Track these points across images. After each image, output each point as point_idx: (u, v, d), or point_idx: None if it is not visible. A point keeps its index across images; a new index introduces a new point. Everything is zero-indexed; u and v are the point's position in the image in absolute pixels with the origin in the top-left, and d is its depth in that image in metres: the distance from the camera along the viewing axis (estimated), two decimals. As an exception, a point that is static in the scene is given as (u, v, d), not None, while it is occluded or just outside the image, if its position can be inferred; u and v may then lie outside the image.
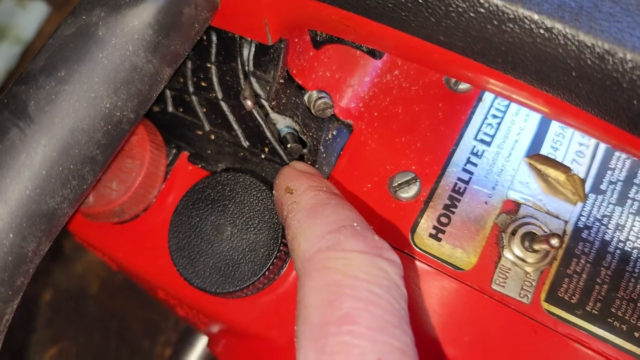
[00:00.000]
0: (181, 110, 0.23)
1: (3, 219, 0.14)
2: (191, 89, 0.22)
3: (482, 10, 0.14)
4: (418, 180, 0.21)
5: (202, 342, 0.32)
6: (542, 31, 0.13)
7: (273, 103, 0.21)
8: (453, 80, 0.22)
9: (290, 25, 0.18)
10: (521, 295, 0.20)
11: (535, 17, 0.13)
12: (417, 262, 0.20)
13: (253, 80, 0.20)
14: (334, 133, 0.22)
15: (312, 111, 0.22)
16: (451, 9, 0.14)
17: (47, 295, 0.41)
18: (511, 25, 0.14)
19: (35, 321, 0.40)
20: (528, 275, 0.20)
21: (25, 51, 0.54)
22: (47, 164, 0.15)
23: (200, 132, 0.23)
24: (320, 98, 0.22)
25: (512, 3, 0.13)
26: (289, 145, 0.22)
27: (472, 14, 0.14)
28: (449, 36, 0.14)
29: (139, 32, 0.16)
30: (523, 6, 0.13)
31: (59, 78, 0.15)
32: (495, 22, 0.14)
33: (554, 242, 0.19)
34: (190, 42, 0.17)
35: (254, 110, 0.21)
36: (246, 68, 0.20)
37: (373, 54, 0.20)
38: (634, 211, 0.21)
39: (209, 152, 0.23)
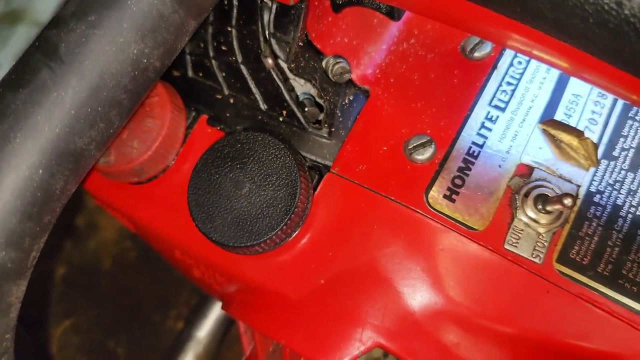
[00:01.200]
0: (201, 75, 0.24)
1: (33, 155, 0.15)
2: (211, 54, 0.23)
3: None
4: (433, 143, 0.21)
5: (213, 316, 0.32)
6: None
7: (292, 65, 0.21)
8: (469, 48, 0.23)
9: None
10: (533, 256, 0.20)
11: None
12: (431, 222, 0.20)
13: (273, 41, 0.21)
14: (351, 98, 0.23)
15: (330, 76, 0.22)
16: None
17: (60, 270, 0.41)
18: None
19: (49, 296, 0.40)
20: (540, 237, 0.20)
21: (42, 34, 0.55)
22: (77, 104, 0.15)
23: (219, 96, 0.24)
24: (337, 63, 0.22)
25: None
26: (306, 109, 0.22)
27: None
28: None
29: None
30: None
31: (89, 22, 0.15)
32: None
33: (567, 201, 0.19)
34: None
35: (272, 73, 0.21)
36: (266, 31, 0.21)
37: (392, 14, 0.20)
38: (646, 177, 0.21)
39: (228, 115, 0.23)
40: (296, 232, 0.21)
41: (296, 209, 0.20)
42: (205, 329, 0.32)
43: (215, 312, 0.32)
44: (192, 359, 0.31)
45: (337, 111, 0.22)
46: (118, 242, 0.41)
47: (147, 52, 0.16)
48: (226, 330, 0.32)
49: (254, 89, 0.23)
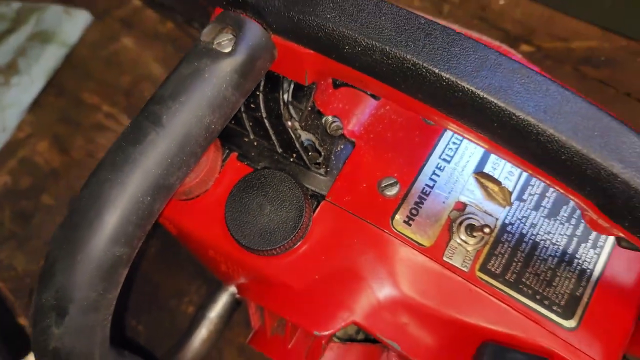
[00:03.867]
0: (233, 123, 0.32)
1: (145, 186, 0.23)
2: (243, 109, 0.31)
3: (443, 84, 0.23)
4: (398, 183, 0.30)
5: (221, 302, 0.40)
6: (478, 98, 0.23)
7: (302, 124, 0.30)
8: (427, 115, 0.32)
9: (322, 75, 0.27)
10: (463, 266, 0.29)
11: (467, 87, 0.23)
12: (394, 239, 0.29)
13: (290, 107, 0.30)
14: (342, 147, 0.32)
15: (328, 131, 0.31)
16: (425, 82, 0.23)
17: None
18: (458, 94, 0.23)
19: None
20: (468, 253, 0.29)
21: (69, 54, 0.62)
22: (172, 155, 0.24)
23: (246, 139, 0.32)
24: (334, 122, 0.31)
25: (459, 79, 0.23)
26: (309, 154, 0.31)
27: (437, 85, 0.23)
28: (424, 96, 0.24)
29: (229, 75, 0.25)
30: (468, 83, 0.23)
31: (180, 101, 0.24)
32: (450, 91, 0.23)
33: (487, 230, 0.28)
34: (257, 81, 0.26)
35: (289, 128, 0.30)
36: (286, 97, 0.30)
37: (374, 96, 0.29)
38: (544, 215, 0.31)
39: (252, 154, 0.32)
40: (300, 242, 0.30)
41: (301, 226, 0.29)
42: (215, 311, 0.40)
43: (223, 299, 0.40)
44: (205, 332, 0.39)
45: (332, 156, 0.31)
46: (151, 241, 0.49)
47: (214, 121, 0.25)
48: (231, 313, 0.41)
49: (273, 137, 0.31)
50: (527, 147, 0.23)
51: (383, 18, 0.24)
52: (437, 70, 0.23)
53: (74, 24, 0.63)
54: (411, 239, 0.29)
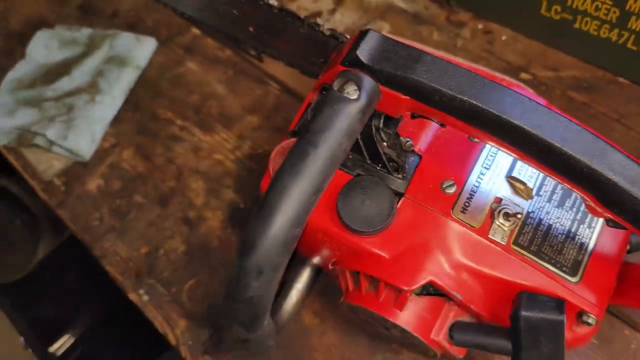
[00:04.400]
0: (334, 141, 0.45)
1: (310, 188, 0.35)
2: (342, 131, 0.44)
3: (499, 120, 0.36)
4: (455, 184, 0.43)
5: (305, 275, 0.53)
6: (523, 131, 0.36)
7: (388, 143, 0.43)
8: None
9: (409, 111, 0.40)
10: (502, 240, 0.42)
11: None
12: (453, 222, 0.42)
13: (381, 132, 0.42)
14: (412, 159, 0.44)
15: (403, 147, 0.44)
16: (485, 118, 0.36)
17: (182, 248, 0.61)
18: (508, 127, 0.36)
19: (177, 265, 0.60)
20: (505, 232, 0.42)
21: (141, 75, 0.74)
22: (324, 167, 0.36)
23: (344, 153, 0.45)
24: (407, 141, 0.44)
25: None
26: (390, 164, 0.44)
27: (493, 120, 0.36)
28: (482, 126, 0.37)
29: (356, 114, 0.37)
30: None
31: (328, 132, 0.36)
32: (501, 124, 0.36)
33: (518, 216, 0.41)
34: (369, 116, 0.39)
35: (378, 146, 0.43)
36: (377, 124, 0.42)
37: (442, 124, 0.42)
38: (554, 205, 0.44)
39: (349, 164, 0.44)
40: (390, 225, 0.42)
41: (392, 214, 0.41)
42: (301, 282, 0.52)
43: (308, 272, 0.53)
44: (295, 298, 0.52)
45: (406, 165, 0.44)
46: (221, 229, 0.61)
47: (347, 144, 0.37)
48: (313, 284, 0.53)
49: (365, 152, 0.44)
50: (551, 161, 0.36)
51: (460, 78, 0.37)
52: (495, 112, 0.36)
53: (144, 49, 0.74)
54: (466, 222, 0.42)
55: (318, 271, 0.53)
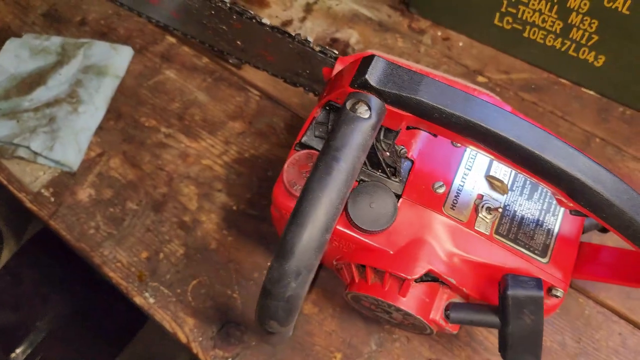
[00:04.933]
0: (337, 151, 0.50)
1: (337, 197, 0.41)
2: (345, 142, 0.49)
3: (486, 132, 0.43)
4: (444, 185, 0.50)
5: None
6: (506, 140, 0.43)
7: (387, 151, 0.49)
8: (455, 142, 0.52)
9: (408, 125, 0.46)
10: (485, 231, 0.49)
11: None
12: (444, 218, 0.49)
13: (382, 142, 0.48)
14: (407, 163, 0.51)
15: (398, 154, 0.50)
16: (474, 130, 0.43)
17: (180, 251, 0.65)
18: (492, 136, 0.43)
19: (177, 267, 0.64)
20: (487, 223, 0.50)
21: (120, 84, 0.76)
22: (347, 178, 0.41)
23: (347, 161, 0.50)
24: (402, 149, 0.50)
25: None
26: (388, 169, 0.50)
27: (481, 132, 0.43)
28: (471, 137, 0.43)
29: (369, 131, 0.43)
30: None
31: (348, 148, 0.42)
32: (484, 134, 0.43)
33: (499, 210, 0.49)
34: (378, 129, 0.45)
35: (379, 154, 0.49)
36: (379, 136, 0.48)
37: (434, 135, 0.48)
38: (525, 198, 0.52)
39: (352, 170, 0.50)
40: (392, 223, 0.49)
41: (395, 214, 0.48)
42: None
43: (308, 267, 0.58)
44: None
45: (401, 170, 0.50)
46: (217, 231, 0.65)
47: (363, 157, 0.43)
48: (315, 279, 0.59)
49: (366, 161, 0.50)
50: (531, 165, 0.44)
51: (456, 97, 0.43)
52: (485, 125, 0.43)
53: (121, 58, 0.76)
54: (455, 217, 0.49)
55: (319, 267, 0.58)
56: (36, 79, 0.75)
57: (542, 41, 0.69)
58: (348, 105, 0.43)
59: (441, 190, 0.50)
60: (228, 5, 0.60)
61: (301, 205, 0.40)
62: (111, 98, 0.74)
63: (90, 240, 0.65)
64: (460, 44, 0.75)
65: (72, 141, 0.69)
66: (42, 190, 0.69)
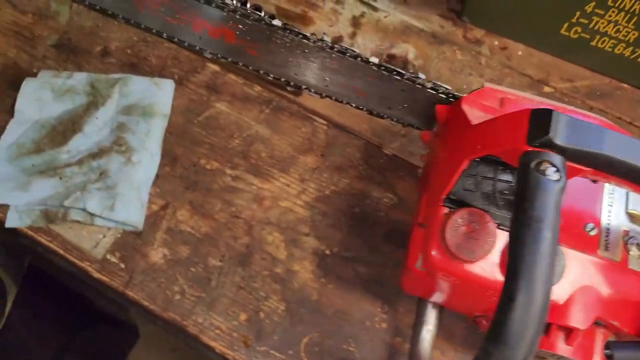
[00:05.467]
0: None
1: (548, 264, 0.38)
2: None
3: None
4: (595, 227, 0.49)
5: (432, 316, 0.56)
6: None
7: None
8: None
9: (581, 177, 0.44)
10: (639, 267, 0.49)
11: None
12: (601, 262, 0.48)
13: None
14: (553, 207, 0.49)
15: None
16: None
17: (281, 307, 0.60)
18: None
19: (283, 325, 0.59)
20: (638, 260, 0.49)
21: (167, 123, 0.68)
22: (552, 242, 0.39)
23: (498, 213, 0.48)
24: (551, 193, 0.48)
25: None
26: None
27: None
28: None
29: (559, 192, 0.40)
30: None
31: (547, 211, 0.39)
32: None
33: None
34: (556, 189, 0.42)
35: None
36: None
37: (594, 181, 0.47)
38: None
39: (507, 222, 0.48)
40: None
41: (564, 267, 0.46)
42: (431, 324, 0.56)
43: (434, 313, 0.56)
44: (430, 341, 0.55)
45: (552, 214, 0.49)
46: (315, 280, 0.61)
47: (559, 218, 0.41)
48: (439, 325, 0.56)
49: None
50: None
51: (635, 149, 0.42)
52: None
53: (165, 94, 0.68)
54: (610, 258, 0.49)
55: (441, 310, 0.56)
56: (69, 126, 0.66)
57: (610, 49, 0.69)
58: (532, 165, 0.41)
59: (594, 233, 0.49)
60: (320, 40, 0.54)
61: (520, 284, 0.38)
62: (162, 138, 0.66)
63: (179, 308, 0.59)
64: (520, 52, 0.74)
65: (133, 197, 0.62)
66: (109, 256, 0.61)
